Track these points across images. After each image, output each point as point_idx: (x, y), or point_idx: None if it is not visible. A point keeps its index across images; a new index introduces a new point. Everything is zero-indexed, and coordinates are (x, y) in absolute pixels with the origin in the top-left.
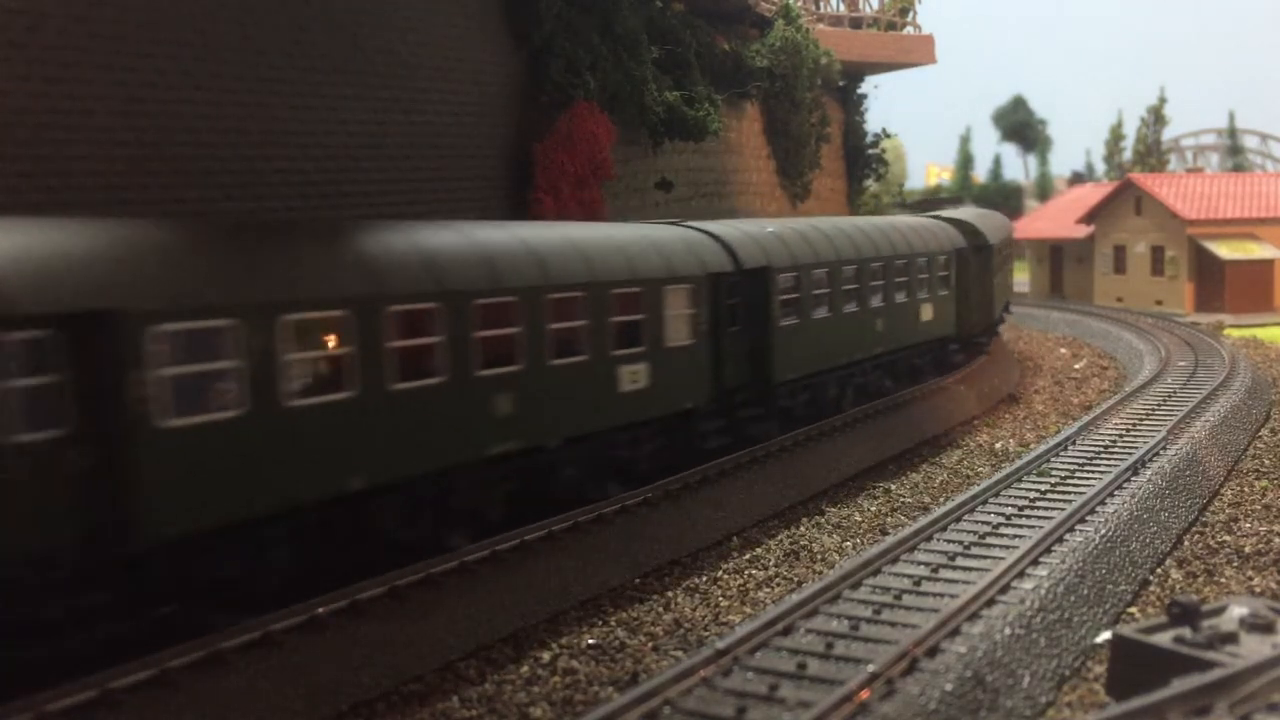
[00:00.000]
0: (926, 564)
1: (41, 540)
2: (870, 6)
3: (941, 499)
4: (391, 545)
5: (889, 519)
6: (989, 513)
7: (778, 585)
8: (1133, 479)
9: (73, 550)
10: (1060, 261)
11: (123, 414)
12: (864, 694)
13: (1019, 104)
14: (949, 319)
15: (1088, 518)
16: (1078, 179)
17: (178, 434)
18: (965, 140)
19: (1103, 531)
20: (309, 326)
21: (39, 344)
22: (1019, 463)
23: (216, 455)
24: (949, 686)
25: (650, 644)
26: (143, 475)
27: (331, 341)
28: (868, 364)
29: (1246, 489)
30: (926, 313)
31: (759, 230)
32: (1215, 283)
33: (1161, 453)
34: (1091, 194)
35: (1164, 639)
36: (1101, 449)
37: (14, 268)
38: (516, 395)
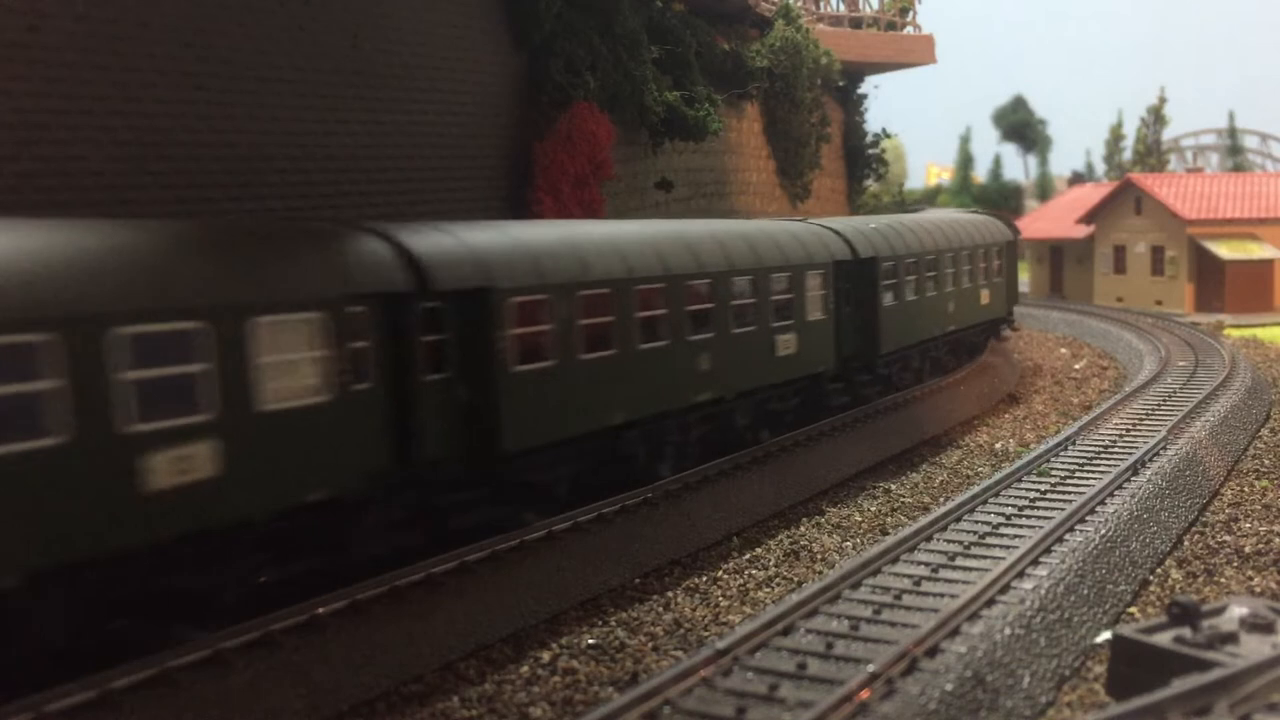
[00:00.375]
0: (926, 564)
1: (443, 450)
2: (870, 6)
3: (941, 499)
4: (628, 469)
5: (889, 519)
6: (989, 513)
7: (778, 585)
8: (1133, 479)
9: (459, 457)
10: (1060, 261)
11: (489, 362)
12: (864, 694)
13: (1019, 104)
14: (1001, 302)
15: (1088, 518)
16: (1078, 179)
17: (520, 376)
18: (965, 140)
19: (1103, 531)
20: (594, 301)
21: (435, 312)
22: (1019, 463)
23: (541, 392)
24: (949, 686)
25: (650, 644)
26: (501, 405)
27: (603, 313)
28: (942, 340)
29: (1246, 489)
30: (984, 297)
31: (865, 226)
32: (1215, 283)
33: (1161, 453)
34: (1091, 194)
35: (1164, 639)
36: (1101, 449)
37: (435, 259)
38: (711, 355)
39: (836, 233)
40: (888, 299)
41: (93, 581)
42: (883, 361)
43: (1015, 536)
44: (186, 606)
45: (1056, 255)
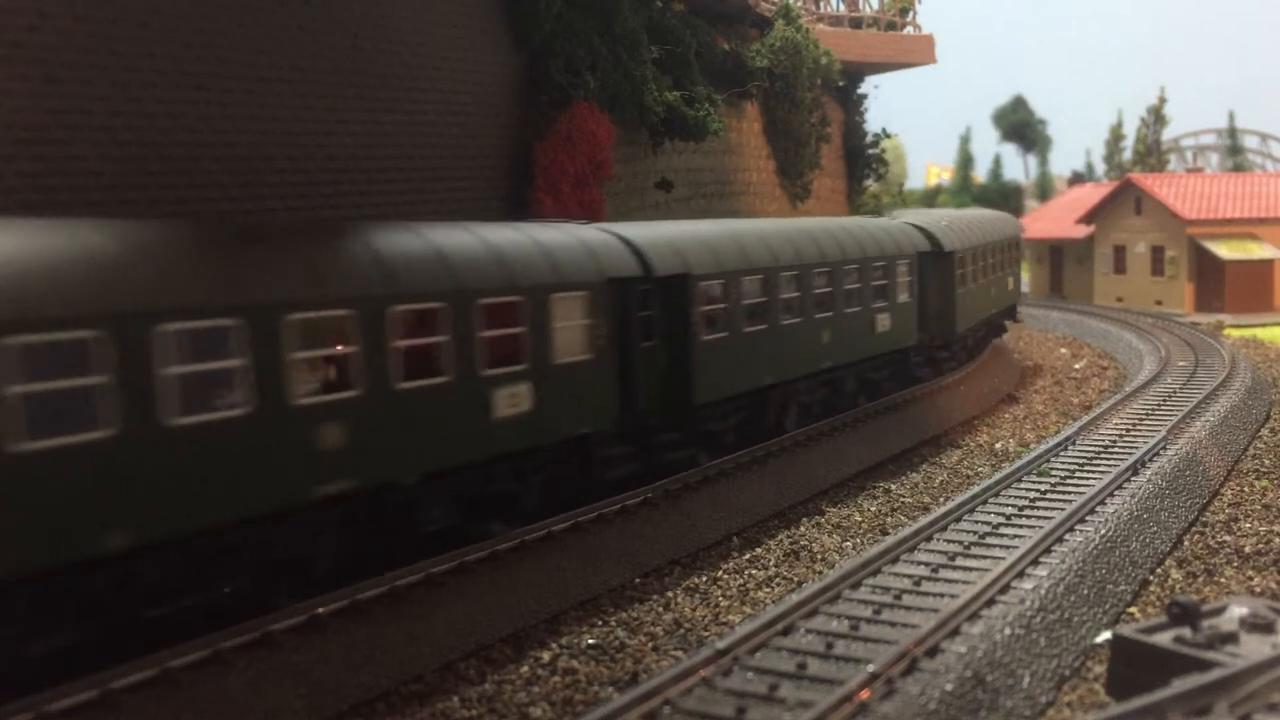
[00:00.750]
0: (926, 564)
1: (652, 402)
2: (870, 6)
3: (941, 499)
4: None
5: (889, 519)
6: (989, 513)
7: (778, 585)
8: (1133, 479)
9: (663, 408)
10: (1060, 261)
11: (686, 333)
12: (864, 694)
13: (1019, 104)
14: (1018, 289)
15: (1088, 518)
16: (1078, 179)
17: (707, 344)
18: (965, 140)
19: (1103, 531)
20: (753, 284)
21: (647, 293)
22: (1019, 463)
23: (719, 358)
24: (949, 686)
25: (650, 644)
26: (694, 368)
27: (760, 294)
28: (986, 321)
29: (1246, 489)
30: (1010, 284)
31: (939, 222)
32: (1215, 283)
33: (1161, 453)
34: (1091, 194)
35: (1164, 639)
36: (1101, 449)
37: (654, 251)
38: (831, 331)
39: (919, 228)
40: (962, 286)
41: (455, 483)
42: (959, 340)
43: (1015, 536)
44: (504, 509)
45: (1056, 255)
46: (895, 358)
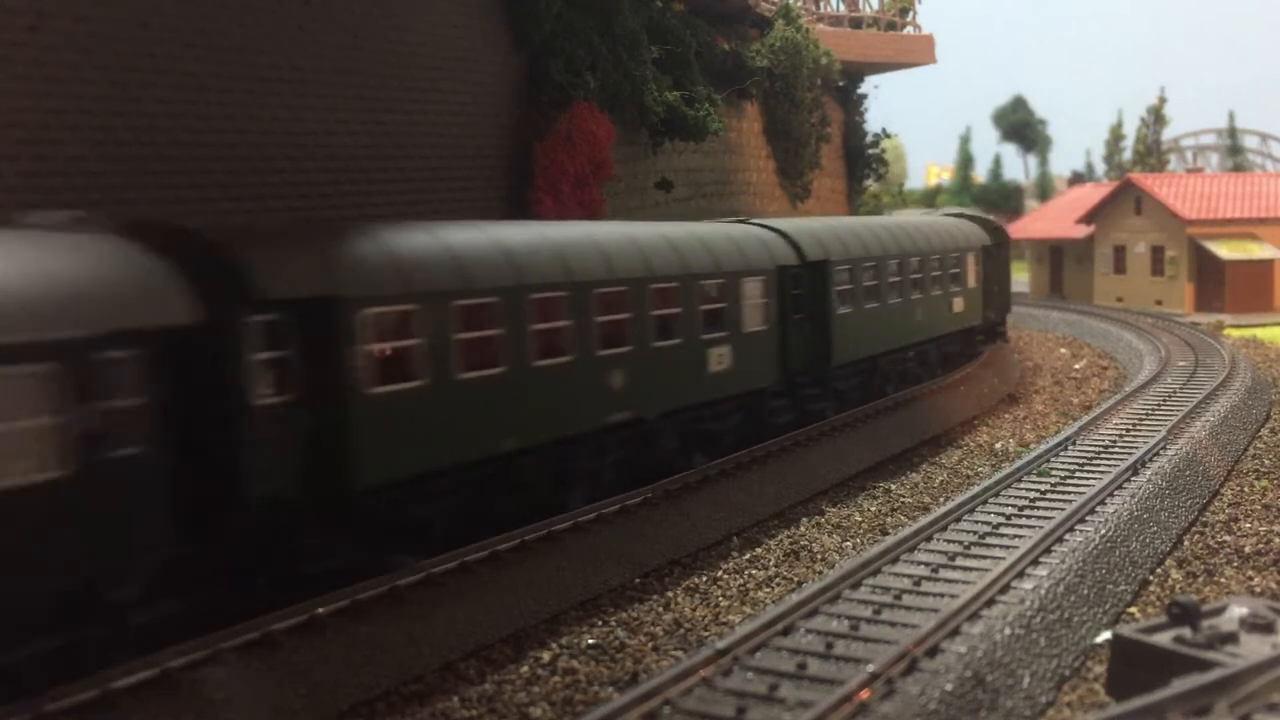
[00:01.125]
0: (926, 564)
1: (799, 365)
2: (870, 6)
3: (941, 499)
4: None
5: (889, 519)
6: (989, 513)
7: (778, 585)
8: (1133, 479)
9: (807, 369)
10: (1060, 261)
11: (826, 309)
12: (864, 694)
13: (1019, 104)
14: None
15: (1088, 518)
16: (1078, 179)
17: (840, 318)
18: (965, 140)
19: (1103, 531)
20: (869, 268)
21: (798, 275)
22: (1019, 463)
23: (848, 330)
24: (949, 686)
25: (650, 644)
26: (833, 337)
27: (875, 277)
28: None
29: (1246, 489)
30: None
31: (983, 217)
32: (1215, 283)
33: (1161, 453)
34: (1091, 194)
35: (1164, 639)
36: (1101, 449)
37: (806, 241)
38: (923, 310)
39: (976, 219)
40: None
41: (680, 420)
42: (1002, 324)
43: (1015, 536)
44: (706, 445)
45: (1056, 255)
46: (930, 345)
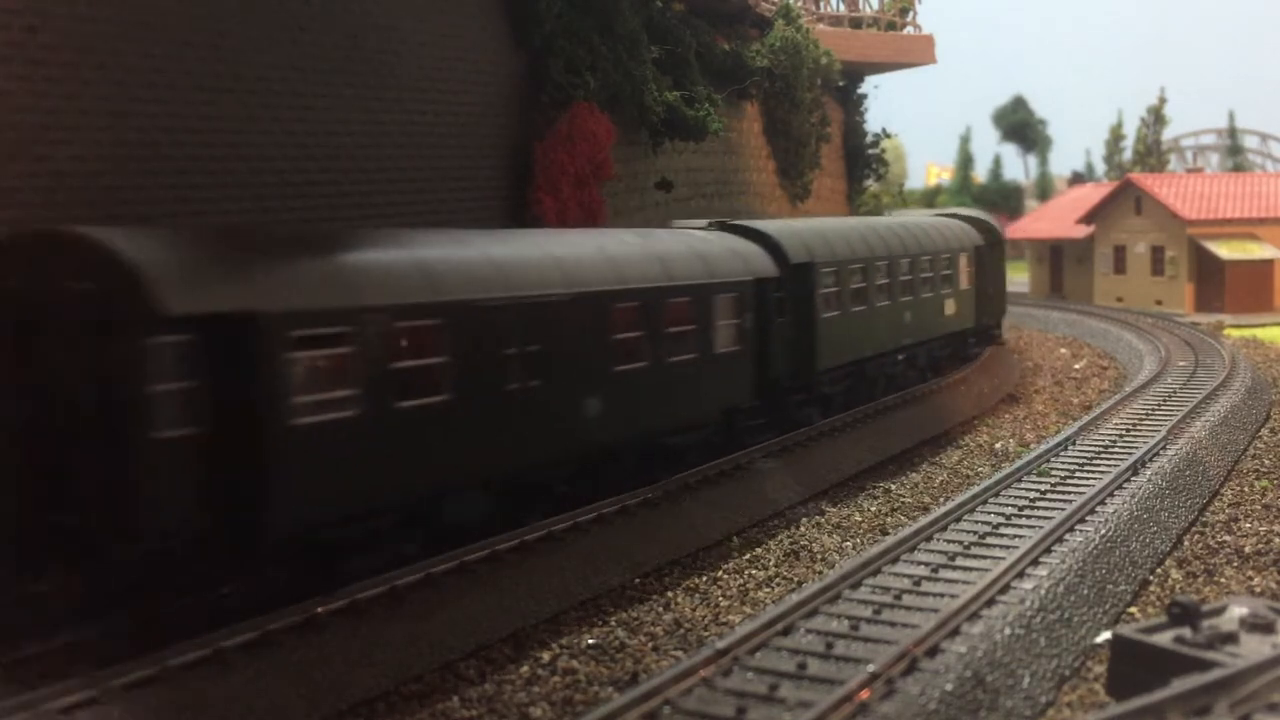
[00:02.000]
0: (926, 564)
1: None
2: (870, 6)
3: (941, 499)
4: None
5: (889, 519)
6: (989, 513)
7: (778, 585)
8: (1133, 479)
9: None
10: (1060, 261)
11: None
12: (864, 694)
13: (1019, 104)
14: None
15: (1088, 518)
16: (1078, 179)
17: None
18: (965, 140)
19: (1103, 531)
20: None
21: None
22: (1019, 463)
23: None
24: (949, 686)
25: (650, 644)
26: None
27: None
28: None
29: (1246, 489)
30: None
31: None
32: (1215, 283)
33: (1161, 453)
34: (1091, 194)
35: (1164, 639)
36: (1101, 449)
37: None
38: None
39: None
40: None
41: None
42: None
43: (1015, 536)
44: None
45: (1056, 255)
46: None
